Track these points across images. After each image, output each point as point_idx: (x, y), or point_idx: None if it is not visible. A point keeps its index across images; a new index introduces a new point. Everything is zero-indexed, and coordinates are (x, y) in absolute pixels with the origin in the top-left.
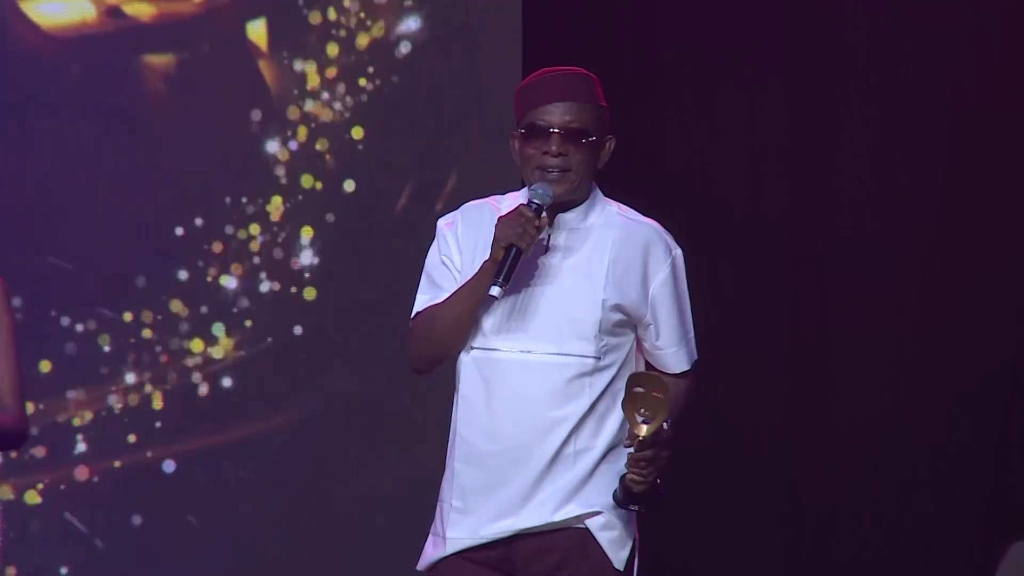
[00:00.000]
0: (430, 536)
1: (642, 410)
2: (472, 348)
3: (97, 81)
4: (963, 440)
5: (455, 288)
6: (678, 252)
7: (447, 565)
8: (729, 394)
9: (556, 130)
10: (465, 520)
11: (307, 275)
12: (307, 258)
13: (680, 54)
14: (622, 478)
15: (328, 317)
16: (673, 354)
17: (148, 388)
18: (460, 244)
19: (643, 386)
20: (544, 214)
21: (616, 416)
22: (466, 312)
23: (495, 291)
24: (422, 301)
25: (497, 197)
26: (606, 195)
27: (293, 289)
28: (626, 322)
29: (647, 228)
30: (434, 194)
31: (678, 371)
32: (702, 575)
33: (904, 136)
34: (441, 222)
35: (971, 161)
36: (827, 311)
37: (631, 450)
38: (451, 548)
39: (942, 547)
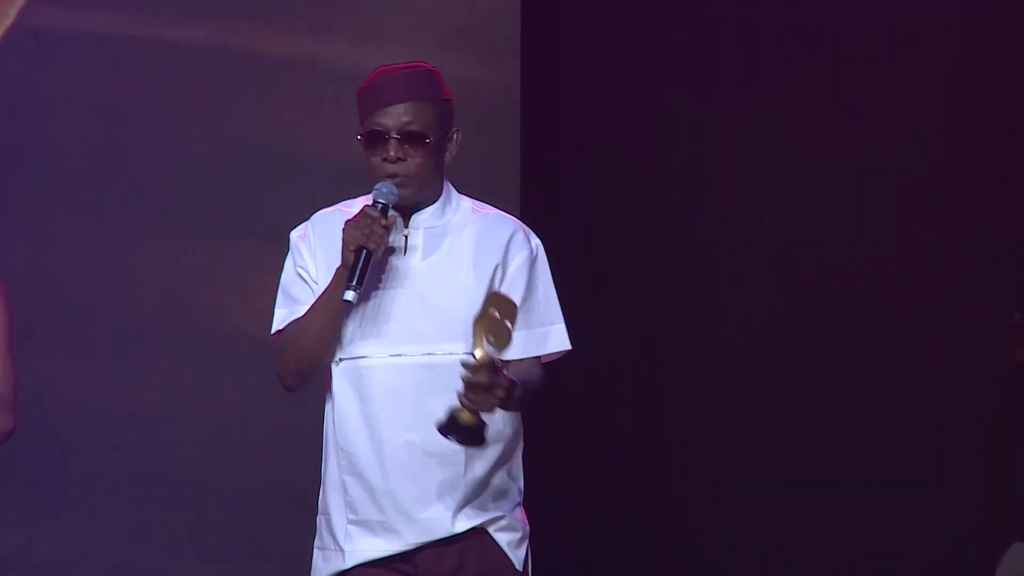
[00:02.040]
0: (317, 552)
1: (491, 337)
2: (341, 359)
3: None
4: (963, 441)
5: (313, 300)
6: (536, 243)
7: None
8: (727, 395)
9: (393, 135)
10: (365, 532)
11: None
12: None
13: (679, 54)
14: (450, 408)
15: None
16: (520, 339)
17: None
18: (315, 254)
19: (499, 311)
20: (391, 213)
21: (499, 415)
22: (328, 322)
23: (349, 295)
24: (281, 317)
25: (348, 202)
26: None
27: None
28: None
29: (504, 221)
30: None
31: (519, 356)
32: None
33: (901, 138)
34: (294, 234)
35: (968, 161)
36: (824, 311)
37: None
38: (353, 560)
39: (941, 548)
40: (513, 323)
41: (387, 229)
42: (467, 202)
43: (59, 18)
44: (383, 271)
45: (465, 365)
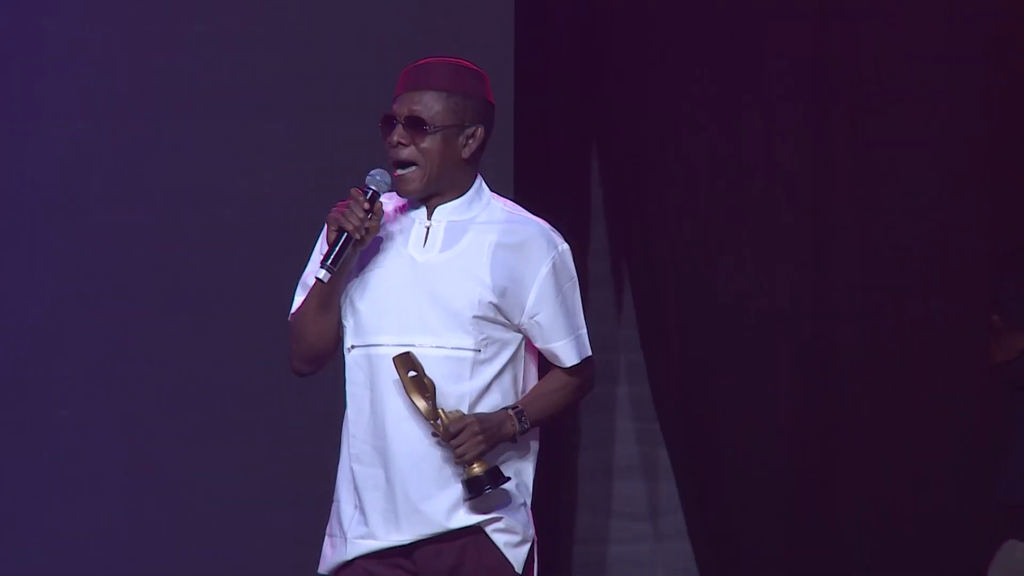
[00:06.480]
0: (327, 539)
1: (427, 395)
2: (354, 346)
3: None
4: (961, 441)
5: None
6: (564, 248)
7: (353, 570)
8: (736, 395)
9: (399, 120)
10: (367, 522)
11: None
12: None
13: (674, 67)
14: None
15: None
16: (561, 347)
17: None
18: None
19: (415, 368)
20: (380, 199)
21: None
22: (319, 306)
23: (320, 274)
24: (295, 303)
25: (390, 193)
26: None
27: None
28: (506, 317)
29: (531, 225)
30: None
31: (567, 365)
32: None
33: (893, 149)
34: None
35: (961, 167)
36: (827, 317)
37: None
38: (354, 551)
39: (937, 548)
40: (420, 369)
41: (368, 215)
42: (500, 202)
43: None
44: (400, 260)
45: (435, 432)
